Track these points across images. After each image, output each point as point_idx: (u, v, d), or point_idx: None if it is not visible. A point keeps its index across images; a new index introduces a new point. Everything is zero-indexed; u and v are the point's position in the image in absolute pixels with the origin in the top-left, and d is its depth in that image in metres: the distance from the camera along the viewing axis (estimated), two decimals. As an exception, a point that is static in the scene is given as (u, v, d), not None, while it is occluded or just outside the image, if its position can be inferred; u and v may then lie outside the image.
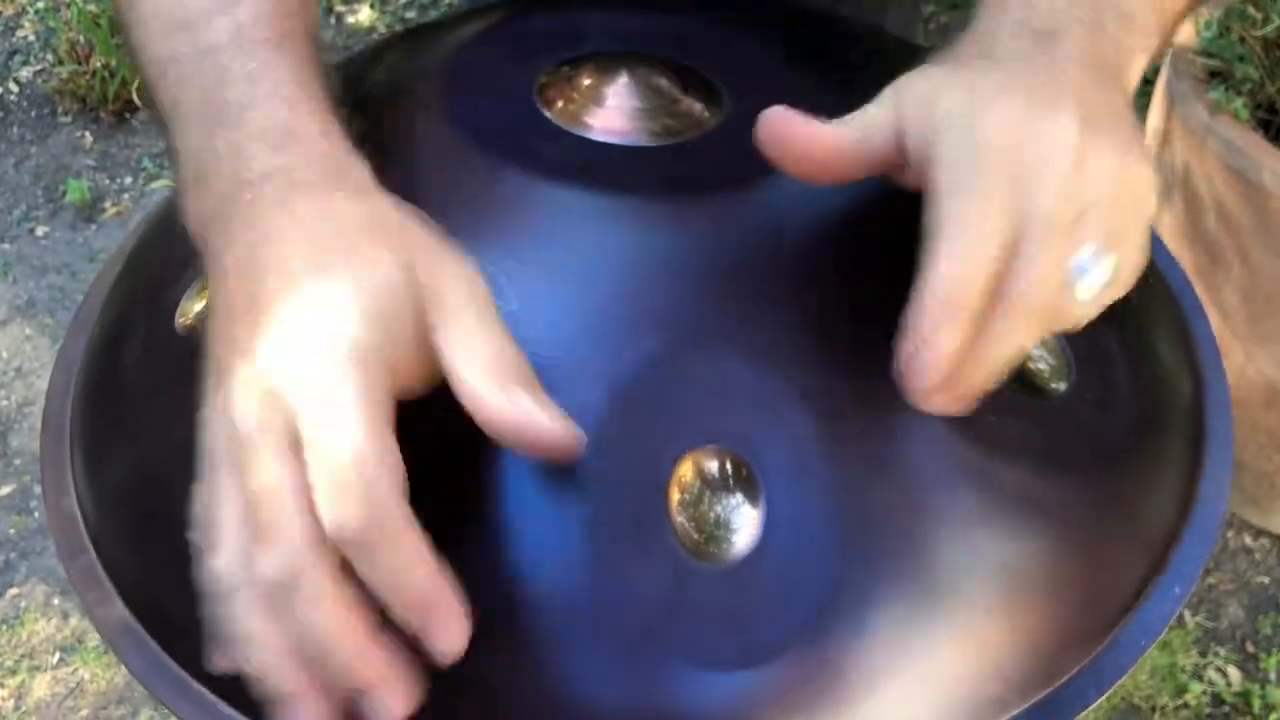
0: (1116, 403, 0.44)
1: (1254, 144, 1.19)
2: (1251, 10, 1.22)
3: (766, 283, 0.42)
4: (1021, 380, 0.42)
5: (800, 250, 0.43)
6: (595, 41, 0.50)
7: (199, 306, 0.45)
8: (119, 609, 0.42)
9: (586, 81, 0.48)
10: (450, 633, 0.34)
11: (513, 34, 0.51)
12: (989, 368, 0.37)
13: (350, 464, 0.32)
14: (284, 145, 0.38)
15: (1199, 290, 1.37)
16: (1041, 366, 0.43)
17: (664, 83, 0.48)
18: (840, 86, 0.50)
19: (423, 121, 0.47)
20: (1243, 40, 1.24)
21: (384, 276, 0.34)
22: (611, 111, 0.47)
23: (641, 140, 0.46)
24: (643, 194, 0.44)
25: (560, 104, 0.47)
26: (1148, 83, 2.07)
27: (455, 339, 0.35)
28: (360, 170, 0.39)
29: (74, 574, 0.43)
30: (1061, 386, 0.42)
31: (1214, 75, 1.27)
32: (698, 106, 0.47)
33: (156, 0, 0.42)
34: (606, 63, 0.49)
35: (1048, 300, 0.36)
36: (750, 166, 0.44)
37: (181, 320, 0.45)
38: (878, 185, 0.46)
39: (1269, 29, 1.21)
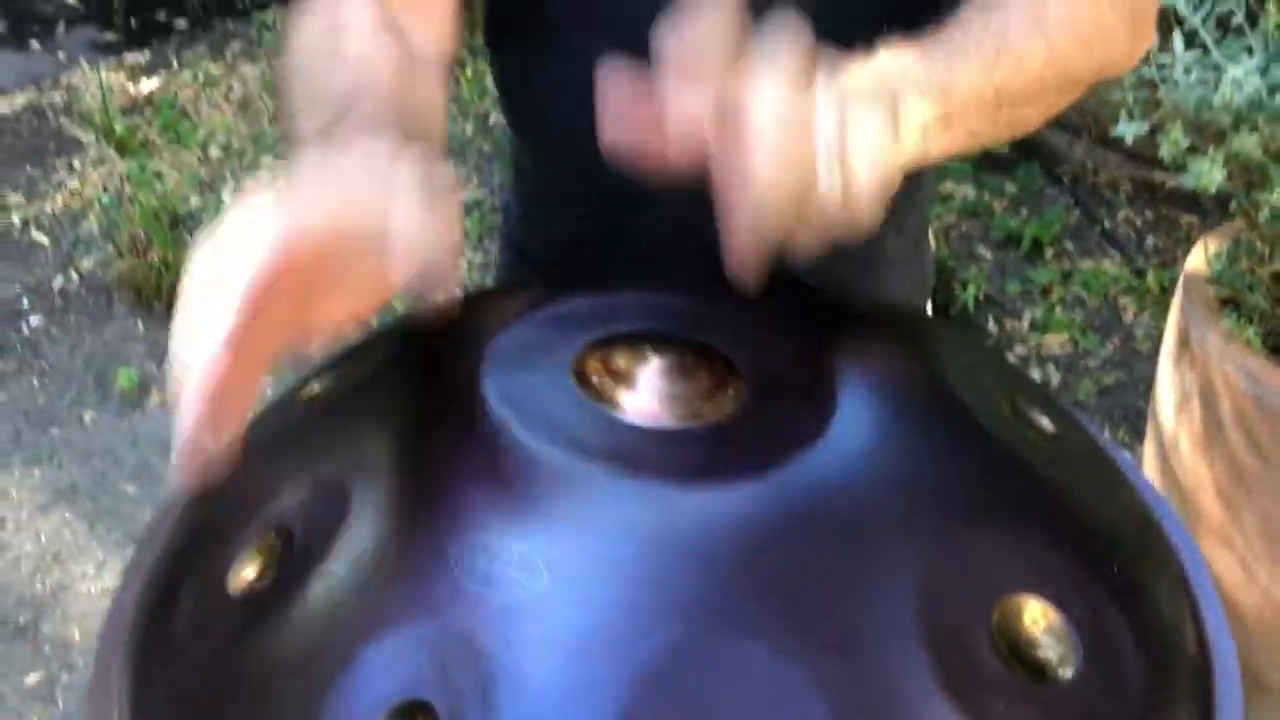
0: (1125, 688, 0.45)
1: (1269, 373, 1.21)
2: (1259, 245, 1.27)
3: (786, 570, 0.44)
4: (1029, 667, 0.44)
5: (821, 537, 0.45)
6: (628, 322, 0.55)
7: (250, 571, 0.48)
8: None
9: (620, 363, 0.52)
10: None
11: (551, 315, 0.56)
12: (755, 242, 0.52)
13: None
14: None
15: (1220, 511, 1.34)
16: (1049, 654, 0.44)
17: (693, 366, 0.52)
18: (861, 375, 0.53)
19: (463, 398, 0.51)
20: (1252, 271, 1.28)
21: None
22: (643, 394, 0.50)
23: (671, 424, 0.50)
24: (671, 479, 0.47)
25: (594, 383, 0.51)
26: (1164, 291, 2.12)
27: None
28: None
29: None
30: (1069, 673, 0.44)
31: (1225, 302, 1.31)
32: (727, 391, 0.51)
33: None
34: (639, 344, 0.53)
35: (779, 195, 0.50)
36: (776, 453, 0.48)
37: (234, 584, 0.48)
38: (890, 474, 0.49)
39: (1277, 264, 1.25)
